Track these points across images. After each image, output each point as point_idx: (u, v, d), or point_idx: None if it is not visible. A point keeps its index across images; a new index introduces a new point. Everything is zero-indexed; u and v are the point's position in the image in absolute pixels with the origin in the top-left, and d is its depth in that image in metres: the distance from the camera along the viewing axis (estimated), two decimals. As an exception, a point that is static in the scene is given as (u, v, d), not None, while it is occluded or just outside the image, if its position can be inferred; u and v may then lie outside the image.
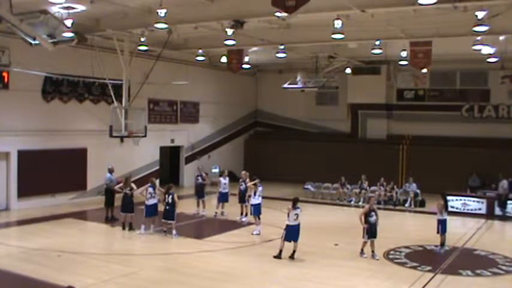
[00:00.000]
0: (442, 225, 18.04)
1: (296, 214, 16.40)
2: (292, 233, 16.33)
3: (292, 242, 16.35)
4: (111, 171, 22.63)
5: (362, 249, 16.75)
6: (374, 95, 35.40)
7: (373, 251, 16.63)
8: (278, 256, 16.34)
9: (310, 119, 38.67)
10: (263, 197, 20.85)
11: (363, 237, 16.65)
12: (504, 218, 24.52)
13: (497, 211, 24.92)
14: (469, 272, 15.35)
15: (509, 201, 24.99)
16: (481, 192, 26.48)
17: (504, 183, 25.49)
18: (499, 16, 18.19)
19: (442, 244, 18.07)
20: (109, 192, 22.21)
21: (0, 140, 23.22)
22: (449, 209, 24.86)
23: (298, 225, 16.46)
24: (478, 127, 32.70)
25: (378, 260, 16.42)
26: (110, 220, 21.83)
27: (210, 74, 35.22)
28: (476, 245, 19.06)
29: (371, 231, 16.57)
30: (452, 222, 20.69)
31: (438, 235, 18.18)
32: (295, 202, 16.58)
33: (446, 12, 18.11)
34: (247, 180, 22.15)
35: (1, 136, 23.22)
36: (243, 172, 23.43)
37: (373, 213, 16.62)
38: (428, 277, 14.79)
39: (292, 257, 16.27)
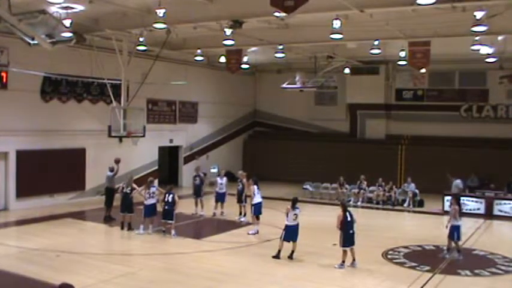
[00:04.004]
0: (457, 232, 17.21)
1: (295, 214, 16.40)
2: (291, 233, 16.33)
3: (291, 242, 16.36)
4: (112, 170, 22.61)
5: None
6: (373, 95, 35.42)
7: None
8: (277, 256, 16.33)
9: (309, 119, 38.68)
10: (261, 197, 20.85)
11: None
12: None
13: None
14: (468, 272, 15.36)
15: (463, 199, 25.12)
16: (479, 192, 26.46)
17: (458, 182, 25.50)
18: (498, 16, 18.20)
19: (458, 250, 17.37)
20: (109, 192, 22.22)
21: (-2, 140, 23.24)
22: (449, 209, 24.95)
23: (297, 225, 16.46)
24: (477, 127, 32.72)
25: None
26: (108, 220, 21.81)
27: (208, 74, 35.22)
28: (475, 245, 19.06)
29: None
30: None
31: (445, 238, 17.59)
32: (294, 202, 16.57)
33: (445, 12, 18.12)
34: (244, 180, 22.16)
35: (0, 136, 23.20)
36: (240, 172, 23.41)
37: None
38: (427, 277, 14.79)
39: (290, 257, 16.27)
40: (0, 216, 22.75)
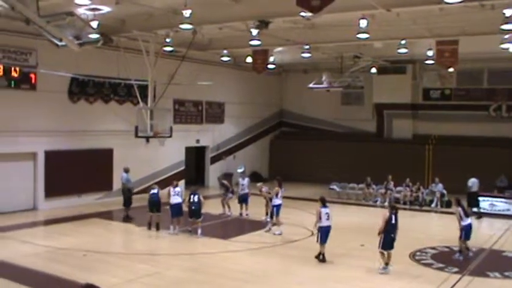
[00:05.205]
0: (465, 231, 16.97)
1: (327, 213, 16.08)
2: (326, 234, 15.99)
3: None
4: (126, 170, 22.82)
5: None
6: (399, 95, 35.14)
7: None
8: (322, 259, 16.07)
9: (335, 119, 38.52)
10: (287, 197, 20.76)
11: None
12: (479, 215, 24.09)
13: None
14: (497, 274, 15.14)
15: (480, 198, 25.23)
16: (509, 193, 26.10)
17: (474, 181, 25.19)
18: (528, 14, 17.92)
19: (466, 249, 17.13)
20: (127, 192, 22.43)
21: (27, 141, 23.49)
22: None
23: (330, 226, 16.13)
24: (506, 127, 32.25)
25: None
26: (126, 219, 22.11)
27: (235, 74, 35.27)
28: (504, 247, 18.81)
29: None
30: (479, 223, 20.42)
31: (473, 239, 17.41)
32: (323, 201, 16.34)
33: (473, 11, 17.90)
34: (263, 189, 21.92)
35: (28, 136, 23.48)
36: (258, 185, 22.98)
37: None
38: (455, 279, 14.62)
39: (318, 257, 16.13)
40: (29, 215, 23.04)
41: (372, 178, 29.05)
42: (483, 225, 22.68)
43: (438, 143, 33.90)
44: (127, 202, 22.44)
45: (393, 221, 15.27)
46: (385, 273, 14.95)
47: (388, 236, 15.16)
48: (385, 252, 15.19)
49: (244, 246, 18.23)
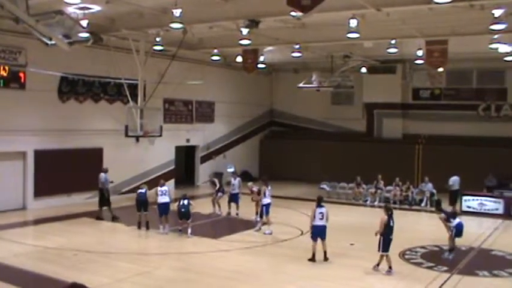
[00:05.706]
0: (456, 231, 17.02)
1: (321, 213, 16.06)
2: (317, 233, 15.97)
3: (320, 241, 16.07)
4: (105, 171, 22.72)
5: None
6: (389, 94, 35.29)
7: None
8: (312, 258, 16.05)
9: (325, 119, 38.56)
10: (276, 196, 20.74)
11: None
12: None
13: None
14: (486, 273, 15.21)
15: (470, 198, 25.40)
16: (498, 192, 26.22)
17: (455, 179, 25.25)
18: (517, 14, 18.02)
19: (452, 248, 17.11)
20: (103, 192, 22.40)
21: (16, 140, 23.38)
22: (467, 209, 24.82)
23: (324, 226, 16.07)
24: (495, 126, 32.40)
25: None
26: (99, 218, 22.25)
27: (225, 74, 35.26)
28: (493, 246, 18.90)
29: None
30: (468, 222, 20.48)
31: (463, 238, 17.45)
32: (319, 201, 16.32)
33: (462, 11, 17.99)
34: (254, 188, 21.94)
35: (18, 136, 23.38)
36: (249, 184, 23.00)
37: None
38: (444, 277, 14.68)
39: (325, 258, 16.04)
40: (18, 215, 22.94)
41: (361, 177, 29.08)
42: (472, 224, 22.75)
43: (428, 142, 34.04)
44: (104, 202, 22.33)
45: (391, 223, 15.19)
46: (390, 275, 14.87)
47: (387, 239, 15.08)
48: (386, 255, 15.11)
49: (235, 245, 18.22)
